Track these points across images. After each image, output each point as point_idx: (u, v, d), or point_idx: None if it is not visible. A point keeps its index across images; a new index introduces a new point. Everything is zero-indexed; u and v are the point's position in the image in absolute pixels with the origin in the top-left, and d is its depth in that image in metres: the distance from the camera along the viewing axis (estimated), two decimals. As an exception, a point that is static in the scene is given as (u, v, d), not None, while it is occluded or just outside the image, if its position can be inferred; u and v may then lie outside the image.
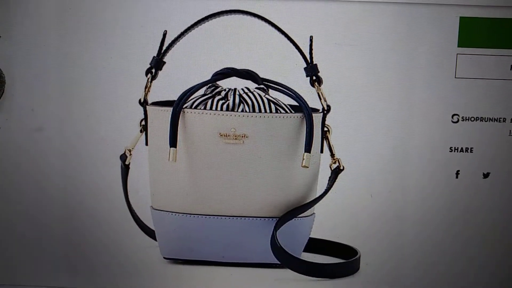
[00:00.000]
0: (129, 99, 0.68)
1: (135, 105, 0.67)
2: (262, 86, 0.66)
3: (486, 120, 0.67)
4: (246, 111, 0.64)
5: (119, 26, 0.69)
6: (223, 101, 0.64)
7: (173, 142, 0.62)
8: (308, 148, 0.62)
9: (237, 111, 0.64)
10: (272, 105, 0.65)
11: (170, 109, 0.63)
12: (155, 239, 0.68)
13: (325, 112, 0.66)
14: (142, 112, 0.67)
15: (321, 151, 0.67)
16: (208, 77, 0.66)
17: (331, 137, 0.67)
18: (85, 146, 0.70)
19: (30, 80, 0.69)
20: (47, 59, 0.68)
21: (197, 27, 0.66)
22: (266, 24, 0.66)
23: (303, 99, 0.64)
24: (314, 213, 0.68)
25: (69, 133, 0.69)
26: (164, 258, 0.68)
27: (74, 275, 0.67)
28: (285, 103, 0.66)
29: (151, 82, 0.67)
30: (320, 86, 0.67)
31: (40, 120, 0.69)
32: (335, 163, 0.67)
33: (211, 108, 0.64)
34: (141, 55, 0.68)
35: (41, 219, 0.70)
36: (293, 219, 0.65)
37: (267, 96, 0.65)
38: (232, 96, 0.65)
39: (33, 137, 0.69)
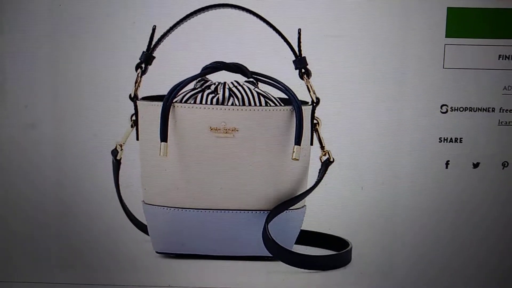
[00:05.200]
0: (120, 95, 0.68)
1: (126, 100, 0.67)
2: (251, 79, 0.66)
3: (475, 110, 0.67)
4: (236, 105, 0.64)
5: (110, 22, 0.69)
6: (213, 95, 0.65)
7: (163, 137, 0.62)
8: (298, 141, 0.63)
9: (227, 104, 0.64)
10: (262, 98, 0.65)
11: (160, 103, 0.63)
12: (147, 233, 0.68)
13: (314, 104, 0.67)
14: (133, 107, 0.67)
15: (311, 144, 0.67)
16: (198, 71, 0.66)
17: (321, 129, 0.67)
18: (77, 142, 0.70)
19: (23, 77, 0.69)
20: (39, 56, 0.69)
21: (186, 21, 0.66)
22: (255, 18, 0.66)
23: (292, 92, 0.64)
24: (305, 205, 0.68)
25: (62, 130, 0.70)
26: (157, 252, 0.68)
27: (67, 271, 0.68)
28: (275, 96, 0.66)
29: (141, 77, 0.67)
30: (309, 78, 0.67)
31: (33, 117, 0.69)
32: (325, 155, 0.68)
33: (201, 102, 0.64)
34: (132, 50, 0.68)
35: (34, 215, 0.70)
36: (285, 212, 0.65)
37: (256, 89, 0.65)
38: (221, 90, 0.65)
39: (27, 133, 0.69)
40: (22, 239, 0.70)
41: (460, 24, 0.65)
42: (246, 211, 0.65)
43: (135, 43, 0.68)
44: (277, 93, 0.65)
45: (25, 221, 0.70)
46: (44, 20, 0.68)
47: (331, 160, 0.67)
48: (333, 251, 0.69)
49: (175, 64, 0.69)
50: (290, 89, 0.64)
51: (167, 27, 0.67)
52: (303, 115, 0.63)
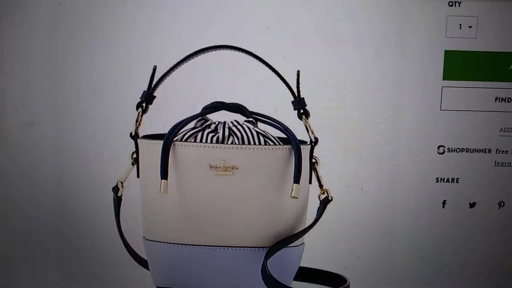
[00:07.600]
0: (118, 92, 0.68)
1: (124, 98, 0.67)
2: (250, 119, 0.67)
3: (471, 151, 0.67)
4: (235, 143, 0.65)
5: (109, 21, 0.68)
6: (213, 133, 0.65)
7: (164, 174, 0.63)
8: (297, 179, 0.63)
9: (226, 143, 0.65)
10: (261, 137, 0.65)
11: (161, 142, 0.63)
12: (148, 268, 0.69)
13: (313, 144, 0.67)
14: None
15: (310, 182, 0.68)
16: (198, 110, 0.67)
17: (319, 168, 0.68)
18: (75, 141, 0.69)
19: (20, 75, 0.69)
20: (37, 54, 0.68)
21: (186, 62, 0.67)
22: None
23: (291, 131, 0.65)
24: (304, 242, 0.69)
25: (59, 128, 0.69)
26: (157, 287, 0.68)
27: (64, 270, 0.67)
28: (274, 135, 0.66)
29: (141, 116, 0.68)
30: (307, 119, 0.67)
31: (30, 115, 0.69)
32: (323, 193, 0.68)
33: (201, 141, 0.65)
34: (131, 49, 0.68)
35: (32, 213, 0.69)
36: (283, 249, 0.66)
37: (255, 128, 0.66)
38: (221, 129, 0.65)
39: (24, 132, 0.69)
40: (20, 237, 0.70)
41: (457, 66, 0.66)
42: (245, 248, 0.65)
43: (134, 42, 0.68)
44: (276, 133, 0.66)
45: (23, 219, 0.70)
46: (42, 19, 0.68)
47: (330, 198, 0.68)
48: (331, 288, 0.70)
49: (175, 104, 0.69)
50: (289, 129, 0.65)
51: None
52: (302, 154, 0.64)
